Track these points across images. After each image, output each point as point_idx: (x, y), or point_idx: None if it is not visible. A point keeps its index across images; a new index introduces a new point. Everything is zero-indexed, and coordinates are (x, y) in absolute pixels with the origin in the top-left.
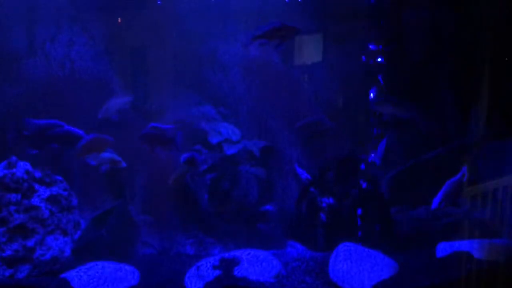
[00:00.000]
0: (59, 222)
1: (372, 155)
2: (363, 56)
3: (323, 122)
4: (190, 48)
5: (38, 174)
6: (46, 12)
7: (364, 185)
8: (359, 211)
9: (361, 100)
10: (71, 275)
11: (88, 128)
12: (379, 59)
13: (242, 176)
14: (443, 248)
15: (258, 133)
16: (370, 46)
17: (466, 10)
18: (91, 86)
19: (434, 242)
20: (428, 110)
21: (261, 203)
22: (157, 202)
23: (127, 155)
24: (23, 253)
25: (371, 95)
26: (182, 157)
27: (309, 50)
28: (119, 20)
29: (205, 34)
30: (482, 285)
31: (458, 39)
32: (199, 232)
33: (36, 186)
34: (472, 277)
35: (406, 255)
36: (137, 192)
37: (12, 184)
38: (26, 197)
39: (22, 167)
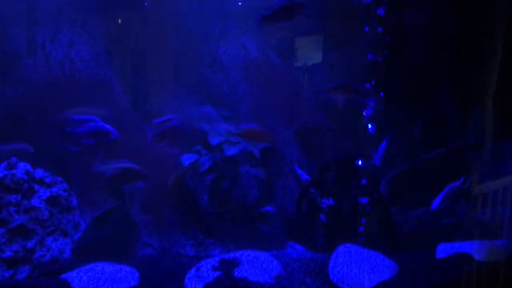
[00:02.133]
0: (59, 223)
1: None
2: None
3: (320, 122)
4: (190, 49)
5: (38, 174)
6: (46, 12)
7: (364, 186)
8: (359, 212)
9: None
10: (71, 276)
11: None
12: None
13: (242, 177)
14: (443, 249)
15: None
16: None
17: (467, 11)
18: (91, 86)
19: (434, 243)
20: (429, 111)
21: (261, 204)
22: (157, 202)
23: (127, 156)
24: (23, 254)
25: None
26: (182, 158)
27: (309, 51)
28: (119, 20)
29: (205, 34)
30: (482, 286)
31: (458, 39)
32: (199, 233)
33: (36, 187)
34: (472, 279)
35: (406, 256)
36: (137, 193)
37: (12, 185)
38: (26, 198)
39: (22, 168)
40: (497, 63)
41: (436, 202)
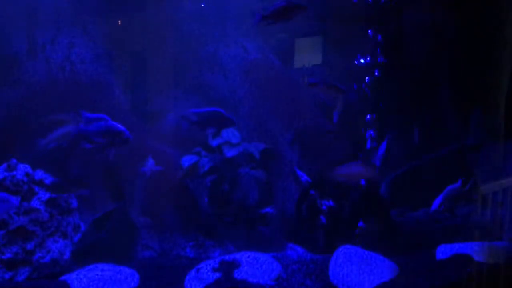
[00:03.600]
0: (58, 224)
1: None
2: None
3: (320, 124)
4: (190, 50)
5: (38, 176)
6: (46, 14)
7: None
8: (359, 213)
9: (361, 102)
10: (71, 277)
11: None
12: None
13: (242, 179)
14: (443, 251)
15: (258, 135)
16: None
17: (467, 11)
18: (91, 88)
19: (434, 244)
20: (429, 112)
21: (261, 205)
22: (157, 204)
23: (127, 157)
24: (22, 255)
25: None
26: (183, 160)
27: (309, 52)
28: (119, 22)
29: (205, 36)
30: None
31: (458, 40)
32: (199, 235)
33: (36, 188)
34: (472, 280)
35: (406, 257)
36: (137, 194)
37: (12, 187)
38: (26, 199)
39: (22, 169)
40: (497, 64)
41: (435, 204)
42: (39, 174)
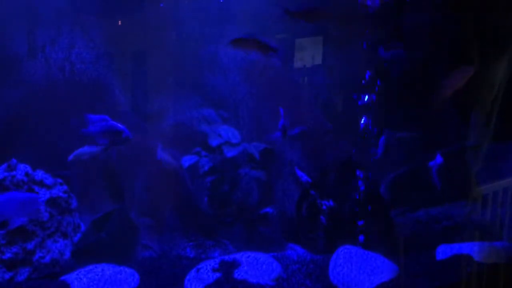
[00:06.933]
0: (59, 224)
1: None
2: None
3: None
4: (190, 51)
5: (38, 176)
6: (46, 14)
7: (364, 187)
8: (359, 214)
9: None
10: (71, 277)
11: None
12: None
13: (242, 179)
14: (443, 251)
15: (258, 135)
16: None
17: (467, 12)
18: (90, 88)
19: (434, 245)
20: (429, 112)
21: (261, 205)
22: (157, 204)
23: (128, 158)
24: (22, 255)
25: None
26: (183, 160)
27: (309, 53)
28: (119, 22)
29: (205, 36)
30: None
31: (458, 40)
32: (199, 235)
33: (36, 188)
34: (472, 280)
35: (406, 257)
36: (137, 195)
37: (12, 187)
38: None
39: (22, 169)
40: (497, 65)
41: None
42: (39, 174)
